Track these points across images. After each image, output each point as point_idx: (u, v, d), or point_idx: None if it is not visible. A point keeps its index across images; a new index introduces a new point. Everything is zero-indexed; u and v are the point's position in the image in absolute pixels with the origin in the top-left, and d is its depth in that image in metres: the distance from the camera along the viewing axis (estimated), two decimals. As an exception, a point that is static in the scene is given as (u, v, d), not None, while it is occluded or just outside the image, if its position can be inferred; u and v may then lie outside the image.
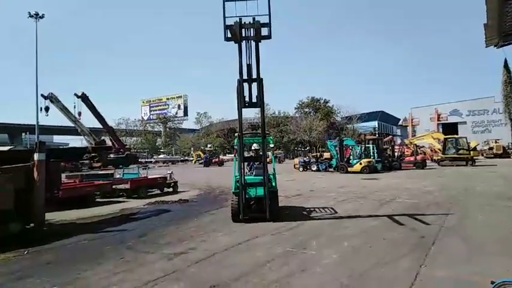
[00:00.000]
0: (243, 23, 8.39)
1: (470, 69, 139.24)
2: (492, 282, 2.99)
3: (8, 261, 6.20)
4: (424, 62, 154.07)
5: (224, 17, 8.45)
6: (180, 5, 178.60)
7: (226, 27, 8.46)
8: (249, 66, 8.68)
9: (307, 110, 70.83)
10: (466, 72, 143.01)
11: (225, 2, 8.46)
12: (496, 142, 45.91)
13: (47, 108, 36.91)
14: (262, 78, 8.59)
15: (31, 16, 39.59)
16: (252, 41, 8.55)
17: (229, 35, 8.48)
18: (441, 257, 5.62)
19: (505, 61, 10.40)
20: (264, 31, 8.46)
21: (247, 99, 8.73)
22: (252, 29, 8.41)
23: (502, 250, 5.91)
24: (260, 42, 8.54)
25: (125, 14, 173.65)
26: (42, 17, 40.12)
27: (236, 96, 8.62)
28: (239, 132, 8.79)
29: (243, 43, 8.55)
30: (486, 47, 9.44)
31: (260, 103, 8.77)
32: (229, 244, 6.70)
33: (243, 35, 8.44)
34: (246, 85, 8.72)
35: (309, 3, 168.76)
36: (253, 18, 8.39)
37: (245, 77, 8.66)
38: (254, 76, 8.62)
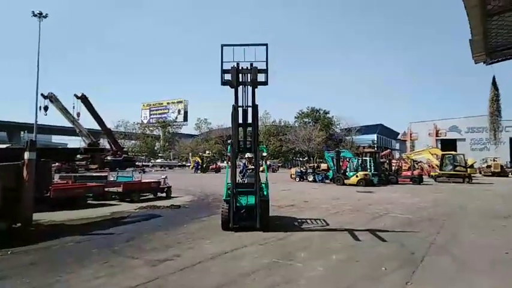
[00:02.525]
0: (240, 68, 8.48)
1: (471, 86, 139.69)
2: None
3: (-10, 260, 6.11)
4: (426, 76, 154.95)
5: (222, 62, 8.51)
6: (184, 9, 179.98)
7: (224, 71, 8.54)
8: (244, 111, 8.81)
9: (306, 120, 70.95)
10: (467, 88, 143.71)
11: (223, 47, 8.52)
12: (494, 160, 45.84)
13: (46, 108, 37.02)
14: (258, 125, 8.81)
15: (35, 15, 39.76)
16: (249, 86, 8.66)
17: (225, 79, 8.55)
18: (429, 274, 5.54)
19: (493, 78, 10.59)
20: (261, 77, 8.54)
21: (241, 142, 8.96)
22: (249, 75, 8.49)
23: (491, 271, 5.84)
24: (257, 87, 8.62)
25: (129, 16, 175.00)
26: (45, 16, 40.30)
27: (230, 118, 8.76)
28: (232, 140, 8.77)
29: (240, 87, 8.66)
30: (476, 63, 9.51)
31: (255, 148, 8.83)
32: (216, 252, 6.61)
33: (240, 80, 8.54)
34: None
35: (312, 16, 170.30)
36: (251, 64, 8.49)
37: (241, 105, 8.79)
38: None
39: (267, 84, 8.59)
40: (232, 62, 8.47)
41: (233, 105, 8.60)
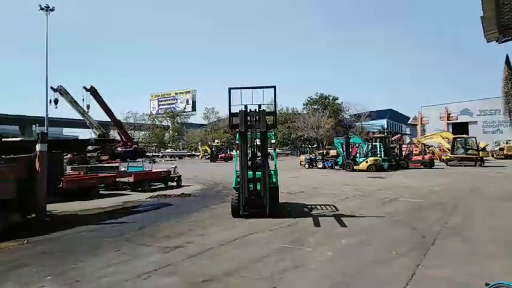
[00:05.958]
0: (248, 110, 8.42)
1: (483, 68, 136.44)
2: (486, 284, 2.89)
3: (7, 250, 6.27)
4: (436, 60, 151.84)
5: (229, 105, 8.49)
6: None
7: (232, 114, 8.51)
8: (253, 154, 8.78)
9: (315, 106, 70.37)
10: (478, 70, 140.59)
11: (231, 90, 8.47)
12: (506, 143, 44.99)
13: (56, 101, 37.38)
14: (269, 171, 8.68)
15: (42, 9, 39.90)
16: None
17: (234, 124, 8.52)
18: (440, 257, 5.52)
19: (507, 57, 10.28)
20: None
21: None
22: (257, 117, 8.43)
23: (502, 252, 5.78)
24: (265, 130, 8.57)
25: (136, 7, 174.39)
26: (52, 9, 40.38)
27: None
28: (240, 128, 8.75)
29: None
30: (488, 41, 9.23)
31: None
32: (227, 239, 6.67)
33: (249, 122, 8.48)
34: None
35: (316, 3, 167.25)
36: (259, 106, 8.44)
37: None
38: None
39: (275, 127, 8.61)
40: (240, 106, 8.47)
41: (240, 146, 8.63)
